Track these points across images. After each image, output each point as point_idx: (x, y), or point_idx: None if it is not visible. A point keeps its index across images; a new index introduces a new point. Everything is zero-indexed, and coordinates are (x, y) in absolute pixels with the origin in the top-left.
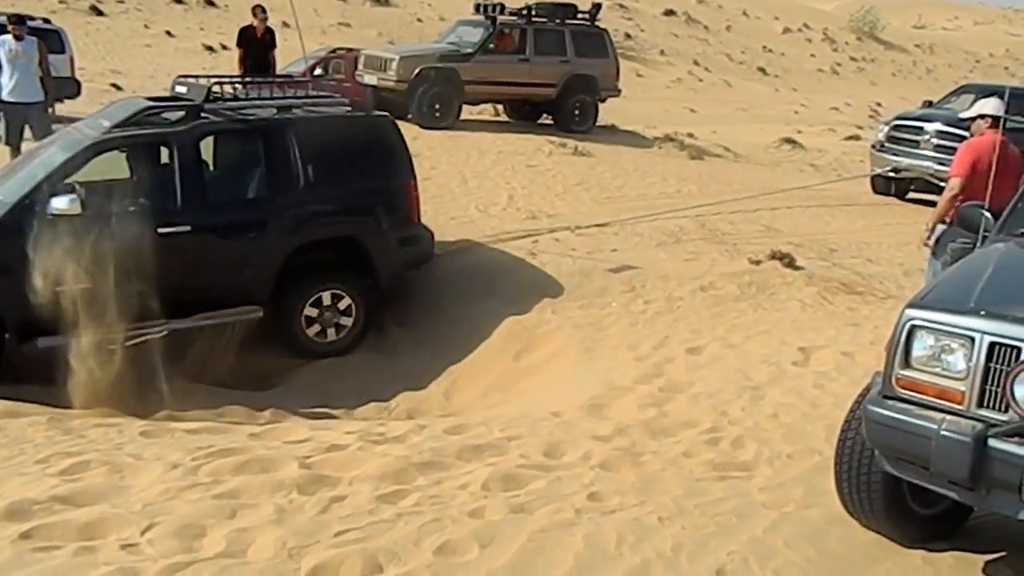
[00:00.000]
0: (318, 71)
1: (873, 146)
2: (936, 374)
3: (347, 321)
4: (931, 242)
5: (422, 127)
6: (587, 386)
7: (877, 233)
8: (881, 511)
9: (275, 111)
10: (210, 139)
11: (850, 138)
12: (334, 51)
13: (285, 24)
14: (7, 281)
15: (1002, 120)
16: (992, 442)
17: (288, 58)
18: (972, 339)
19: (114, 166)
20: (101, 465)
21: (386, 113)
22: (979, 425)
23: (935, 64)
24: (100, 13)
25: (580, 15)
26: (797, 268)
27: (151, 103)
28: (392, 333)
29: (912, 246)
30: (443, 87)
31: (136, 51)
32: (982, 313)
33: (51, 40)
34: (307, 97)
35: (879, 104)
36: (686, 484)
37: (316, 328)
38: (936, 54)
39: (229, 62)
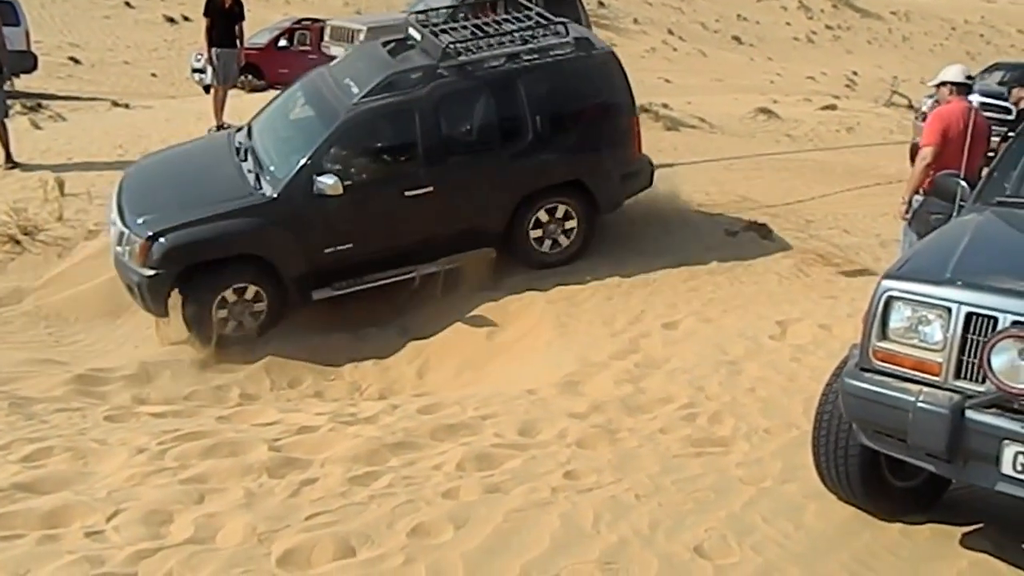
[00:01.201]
0: (282, 42)
1: (916, 116)
2: (913, 346)
3: (571, 228)
4: (908, 213)
5: None
6: (562, 362)
7: (854, 203)
8: (859, 485)
9: (504, 61)
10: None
11: (826, 108)
12: (299, 22)
13: None
14: (284, 246)
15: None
16: (969, 413)
17: (251, 29)
18: (949, 310)
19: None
20: (64, 451)
21: (610, 49)
22: (956, 397)
23: (911, 31)
24: None
25: None
26: (773, 240)
27: (395, 68)
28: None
29: (889, 216)
30: None
31: (94, 23)
32: (959, 283)
33: (5, 12)
34: (531, 37)
35: (855, 73)
36: (663, 461)
37: (545, 242)
38: (912, 21)
39: (192, 33)
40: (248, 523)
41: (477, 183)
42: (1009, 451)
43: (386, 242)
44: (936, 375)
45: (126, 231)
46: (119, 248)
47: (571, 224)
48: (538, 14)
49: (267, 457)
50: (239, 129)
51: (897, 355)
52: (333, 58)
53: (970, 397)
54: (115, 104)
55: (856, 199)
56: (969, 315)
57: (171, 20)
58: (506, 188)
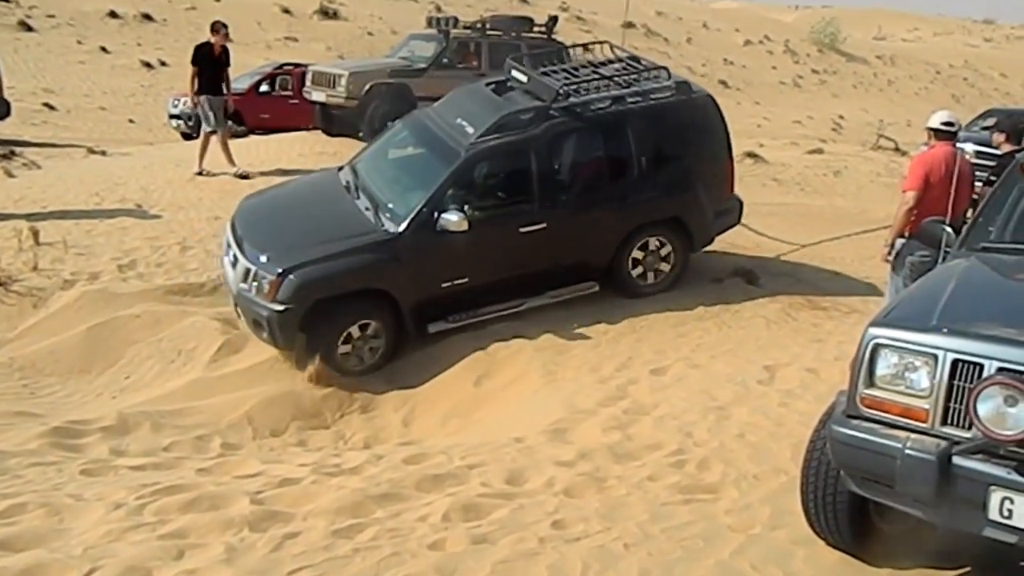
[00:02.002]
0: (263, 87)
1: None
2: (900, 392)
3: (667, 266)
4: (891, 257)
5: None
6: (550, 410)
7: (839, 247)
8: (847, 531)
9: (611, 103)
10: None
11: (813, 151)
12: (280, 67)
13: (227, 39)
14: (406, 280)
15: (955, 132)
16: (956, 460)
17: (233, 74)
18: (935, 357)
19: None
20: (39, 507)
21: (708, 93)
22: (943, 443)
23: (896, 76)
24: (30, 29)
25: (536, 28)
26: (760, 285)
27: (508, 108)
28: None
29: (875, 260)
30: (395, 103)
31: (69, 68)
32: (945, 330)
33: None
34: (634, 80)
35: (841, 117)
36: (652, 508)
37: (640, 271)
38: (897, 65)
39: (169, 79)
40: None
41: (587, 220)
42: (996, 497)
43: (500, 276)
44: (923, 422)
45: (253, 267)
46: (243, 284)
47: (667, 257)
48: (631, 57)
49: (249, 511)
50: (341, 168)
51: (884, 402)
52: (315, 103)
53: (957, 443)
54: (91, 151)
55: (841, 242)
56: (955, 362)
57: (148, 65)
58: (613, 224)
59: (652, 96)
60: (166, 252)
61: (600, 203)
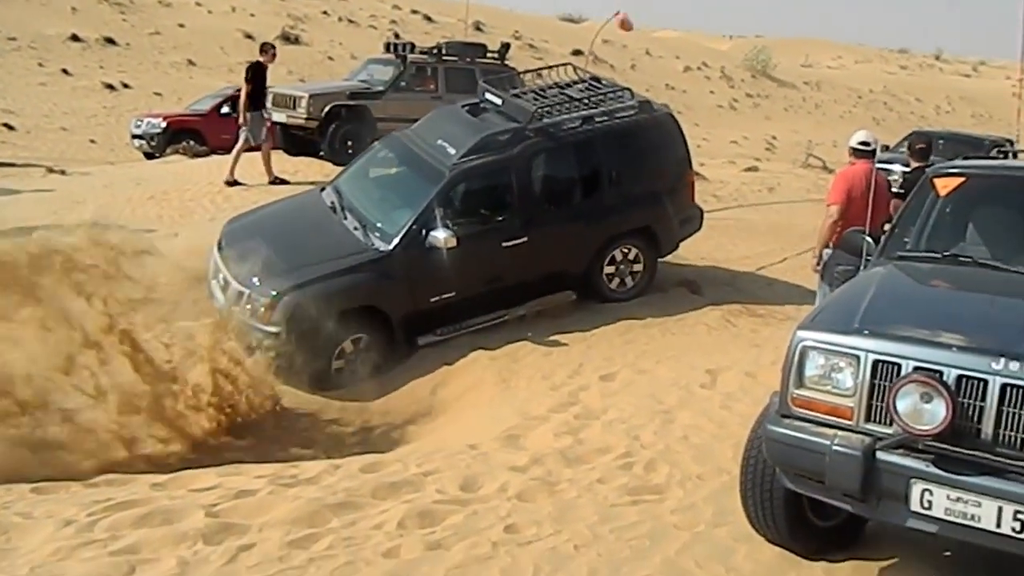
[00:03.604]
0: (225, 109)
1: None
2: (827, 392)
3: (638, 269)
4: (819, 266)
5: (335, 164)
6: (503, 417)
7: (773, 257)
8: (784, 526)
9: (581, 123)
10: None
11: (748, 169)
12: (240, 89)
13: (190, 62)
14: (397, 296)
15: (874, 151)
16: (880, 455)
17: (194, 95)
18: (858, 357)
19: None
20: None
21: (669, 109)
22: (868, 439)
23: (822, 100)
24: None
25: (489, 54)
26: (702, 294)
27: (486, 129)
28: None
29: (806, 269)
30: (354, 124)
31: (30, 90)
32: (866, 333)
33: None
34: (599, 100)
35: (774, 137)
36: (601, 510)
37: (616, 281)
38: (823, 90)
39: (131, 100)
40: None
41: (564, 232)
42: (916, 489)
43: (484, 289)
44: (849, 419)
45: (246, 290)
46: (236, 308)
47: (638, 264)
48: (593, 78)
49: (203, 523)
50: (323, 188)
51: (813, 401)
52: (277, 123)
53: (880, 439)
54: (50, 170)
55: (776, 254)
56: (876, 362)
57: (110, 87)
58: (588, 236)
59: (618, 115)
60: None
61: (576, 216)
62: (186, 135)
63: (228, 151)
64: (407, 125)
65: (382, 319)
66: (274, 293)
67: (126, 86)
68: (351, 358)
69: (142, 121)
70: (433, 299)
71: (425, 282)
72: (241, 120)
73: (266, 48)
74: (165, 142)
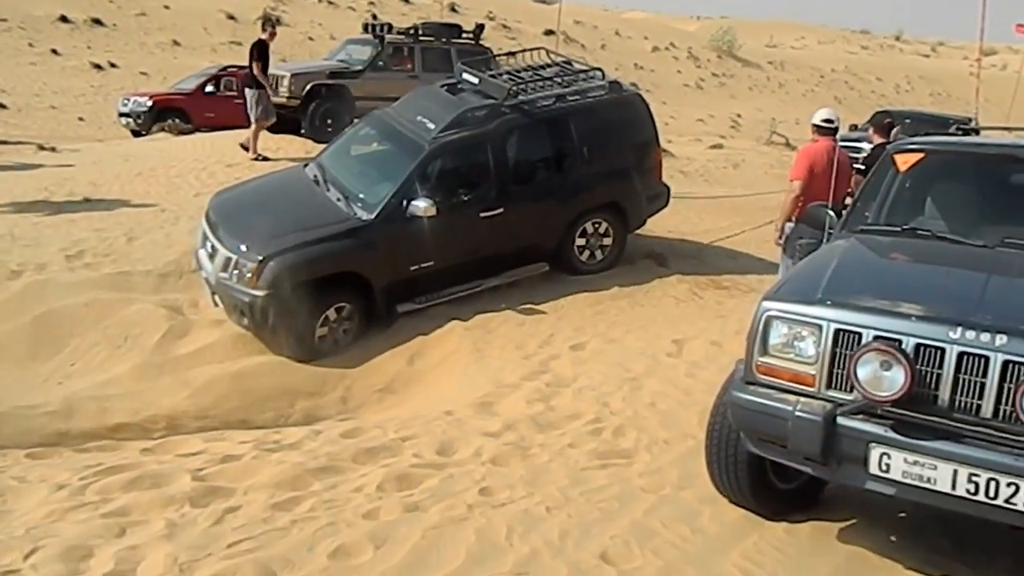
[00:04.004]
0: (209, 88)
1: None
2: (790, 360)
3: (608, 243)
4: (782, 240)
5: (316, 142)
6: (478, 385)
7: (739, 232)
8: (747, 488)
9: (554, 101)
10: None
11: (714, 147)
12: (225, 69)
13: (175, 43)
14: (378, 264)
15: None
16: (840, 420)
17: (179, 74)
18: (820, 327)
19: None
20: None
21: (638, 90)
22: (829, 405)
23: (786, 79)
24: None
25: (464, 34)
26: (669, 267)
27: (464, 106)
28: None
29: (769, 243)
30: (334, 103)
31: (20, 69)
32: (828, 303)
33: None
34: (572, 80)
35: (739, 115)
36: (572, 474)
37: (586, 253)
38: (786, 70)
39: (119, 80)
40: (169, 553)
41: (538, 205)
42: (875, 453)
43: (462, 259)
44: (811, 386)
45: (233, 256)
46: (223, 273)
47: (608, 238)
48: (565, 61)
49: (190, 487)
50: (306, 164)
51: (776, 368)
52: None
53: (840, 405)
54: (41, 148)
55: (741, 227)
56: (837, 331)
57: (98, 67)
58: (561, 209)
59: (589, 94)
60: (113, 243)
61: (549, 190)
62: (171, 113)
63: (212, 129)
64: (385, 103)
65: (364, 287)
66: (260, 258)
67: (113, 66)
68: (334, 326)
69: (129, 100)
70: (413, 268)
71: (405, 251)
72: (256, 97)
73: (267, 26)
74: (151, 120)
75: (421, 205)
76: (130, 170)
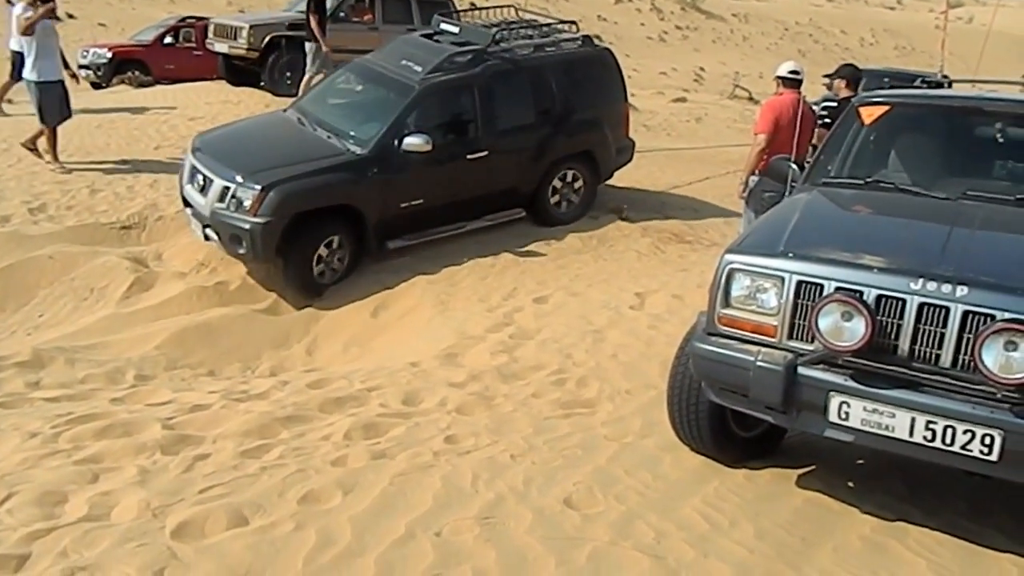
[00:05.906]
0: (168, 40)
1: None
2: (752, 311)
3: (579, 190)
4: (745, 193)
5: (275, 94)
6: (442, 337)
7: (701, 186)
8: (708, 437)
9: (533, 50)
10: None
11: (677, 100)
12: (183, 20)
13: None
14: (372, 198)
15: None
16: (801, 370)
17: (138, 26)
18: (782, 279)
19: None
20: None
21: (608, 46)
22: (790, 355)
23: (750, 32)
24: None
25: None
26: (632, 220)
27: (448, 51)
28: None
29: (732, 197)
30: (294, 55)
31: None
32: (790, 255)
33: None
34: (549, 32)
35: (702, 69)
36: (535, 423)
37: (560, 200)
38: (751, 23)
39: (78, 30)
40: (142, 499)
41: (520, 150)
42: (835, 401)
43: (449, 199)
44: (772, 337)
45: (232, 186)
46: (220, 204)
47: (579, 185)
48: (533, 20)
49: (161, 435)
50: (286, 110)
51: (738, 320)
52: (218, 54)
53: (801, 355)
54: None
55: (703, 181)
56: (799, 283)
57: (55, 18)
58: (540, 155)
59: (564, 47)
60: (76, 195)
61: (529, 136)
62: (131, 65)
63: (173, 81)
64: (346, 56)
65: (356, 221)
66: (260, 187)
67: (71, 16)
68: (328, 258)
69: (88, 51)
70: (403, 205)
71: (397, 187)
72: (313, 51)
73: None
74: (111, 72)
75: (417, 140)
76: (90, 122)
